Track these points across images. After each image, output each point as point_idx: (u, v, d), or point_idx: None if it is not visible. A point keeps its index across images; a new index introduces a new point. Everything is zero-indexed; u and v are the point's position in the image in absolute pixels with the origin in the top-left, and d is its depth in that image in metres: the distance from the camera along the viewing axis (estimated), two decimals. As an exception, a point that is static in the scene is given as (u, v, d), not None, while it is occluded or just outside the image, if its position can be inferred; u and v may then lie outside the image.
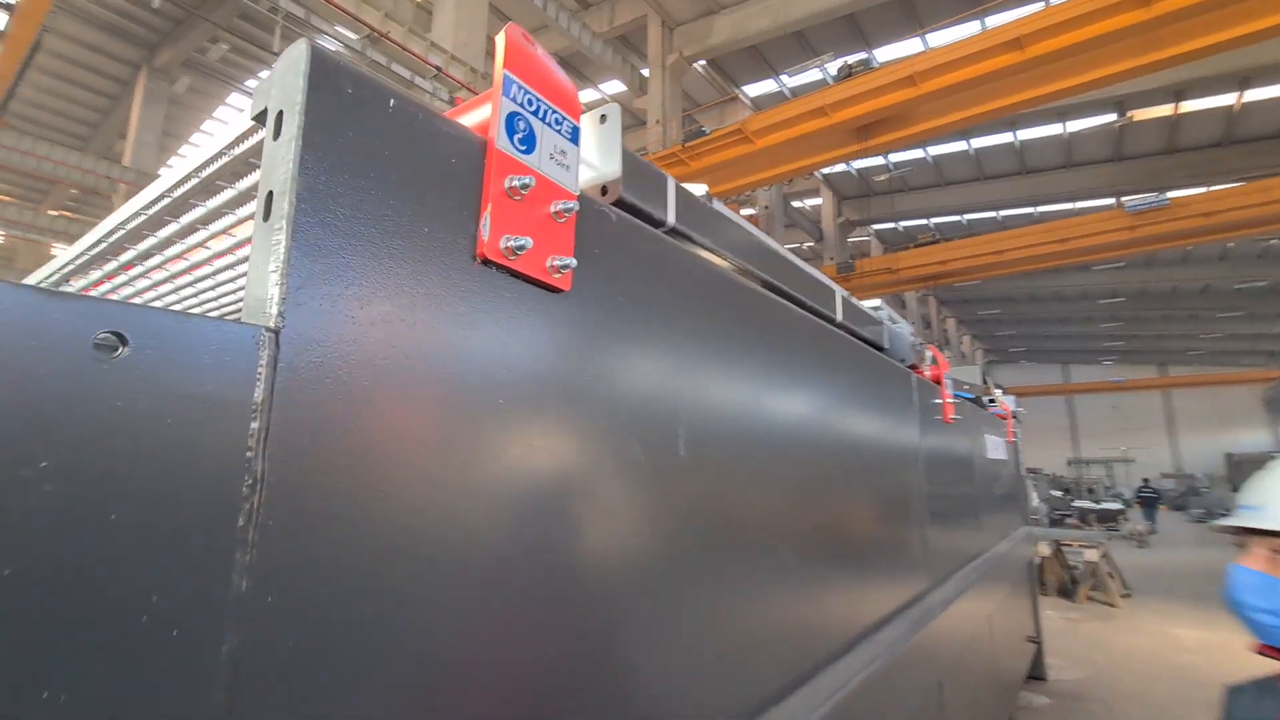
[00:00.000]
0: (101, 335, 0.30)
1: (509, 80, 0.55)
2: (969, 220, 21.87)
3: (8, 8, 10.08)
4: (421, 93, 8.94)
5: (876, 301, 1.77)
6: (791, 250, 1.40)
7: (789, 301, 1.23)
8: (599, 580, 0.59)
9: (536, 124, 0.59)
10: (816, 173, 19.50)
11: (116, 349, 0.31)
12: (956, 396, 2.30)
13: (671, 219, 0.88)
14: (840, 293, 1.42)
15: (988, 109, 9.67)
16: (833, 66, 13.92)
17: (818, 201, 21.32)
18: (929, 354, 2.19)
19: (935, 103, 9.65)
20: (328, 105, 0.42)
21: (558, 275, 0.57)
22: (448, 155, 0.51)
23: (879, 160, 18.35)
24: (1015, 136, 16.88)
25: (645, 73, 15.43)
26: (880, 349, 1.73)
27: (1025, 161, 18.25)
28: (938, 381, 2.07)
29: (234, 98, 15.85)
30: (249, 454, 0.34)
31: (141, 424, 0.32)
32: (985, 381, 3.21)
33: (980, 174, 19.16)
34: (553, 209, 0.58)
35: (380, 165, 0.46)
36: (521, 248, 0.52)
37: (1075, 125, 15.89)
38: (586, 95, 18.17)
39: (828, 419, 1.28)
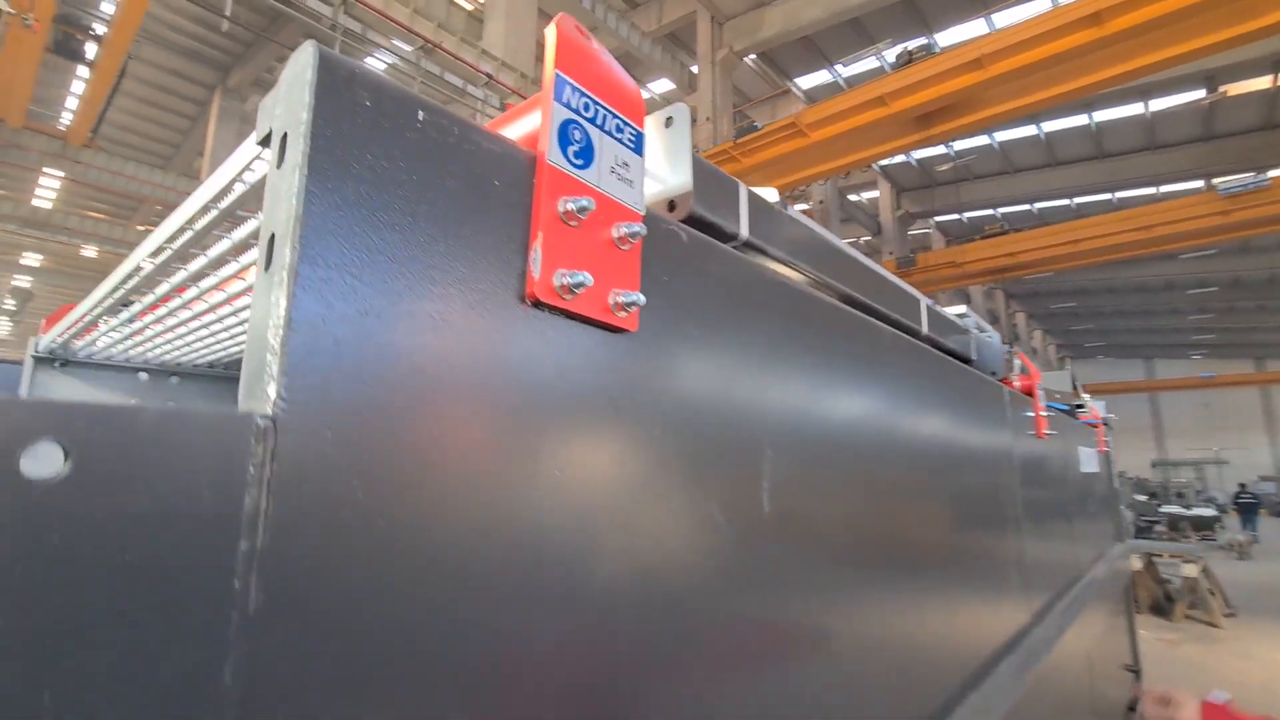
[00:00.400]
0: (33, 447, 0.23)
1: (562, 82, 0.46)
2: (1040, 209, 20.72)
3: (97, 39, 10.82)
4: (474, 101, 9.07)
5: (961, 308, 1.60)
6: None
7: (871, 315, 1.10)
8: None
9: (595, 133, 0.49)
10: (874, 165, 18.86)
11: (55, 468, 0.23)
12: (1049, 408, 2.09)
13: (744, 231, 0.77)
14: (925, 301, 1.27)
15: (1063, 90, 9.08)
16: (891, 54, 13.39)
17: (875, 194, 20.63)
18: (1018, 363, 1.99)
19: (1004, 86, 9.13)
20: (340, 123, 0.34)
21: (623, 314, 0.48)
22: (490, 176, 0.42)
23: (941, 149, 17.58)
24: (1091, 118, 15.87)
25: (694, 70, 15.27)
26: (967, 361, 1.57)
27: (1102, 145, 17.13)
28: (1029, 393, 1.87)
29: (300, 113, 16.52)
30: (236, 585, 0.26)
31: (87, 566, 0.24)
32: (1075, 387, 2.94)
33: (1052, 159, 18.10)
34: (615, 234, 0.48)
35: (407, 194, 0.37)
36: (580, 285, 0.43)
37: (1159, 104, 14.79)
38: (636, 95, 18.00)
39: (918, 447, 1.15)
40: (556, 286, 0.43)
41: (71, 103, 14.52)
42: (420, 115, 0.38)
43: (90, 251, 18.89)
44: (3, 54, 8.96)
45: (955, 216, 21.74)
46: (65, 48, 10.60)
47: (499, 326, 0.41)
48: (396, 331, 0.35)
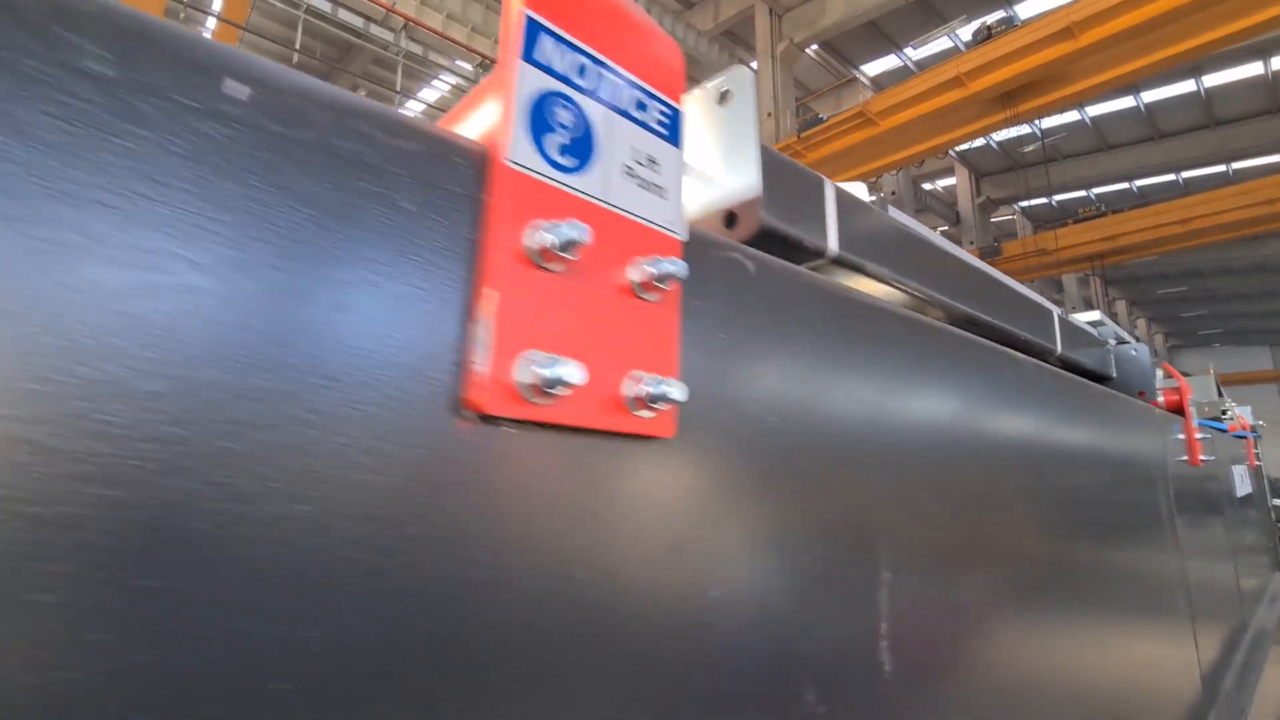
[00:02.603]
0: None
1: (535, 28, 0.26)
2: (1140, 187, 18.96)
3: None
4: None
5: (1095, 314, 1.31)
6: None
7: (994, 337, 0.85)
8: None
9: (595, 110, 0.29)
10: (950, 151, 17.80)
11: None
12: (1203, 427, 1.74)
13: (834, 245, 0.56)
14: (1057, 313, 1.01)
15: (1166, 55, 8.17)
16: (966, 32, 12.58)
17: (951, 181, 19.45)
18: (1160, 373, 1.66)
19: (1099, 55, 8.31)
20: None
21: (648, 413, 0.28)
22: (399, 189, 0.24)
23: (1024, 129, 16.36)
24: (1199, 84, 14.34)
25: (754, 65, 14.86)
26: (1105, 379, 1.28)
27: (1213, 112, 15.46)
28: (1178, 411, 1.54)
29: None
30: None
31: None
32: (1220, 393, 2.50)
33: (1154, 132, 16.51)
34: (635, 276, 0.29)
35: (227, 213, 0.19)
36: (559, 382, 0.24)
37: (1282, 61, 13.20)
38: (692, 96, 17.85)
39: (1056, 503, 0.89)
40: (520, 385, 0.24)
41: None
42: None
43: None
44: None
45: (1043, 201, 20.23)
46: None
47: (416, 457, 0.22)
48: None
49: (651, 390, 0.28)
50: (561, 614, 0.27)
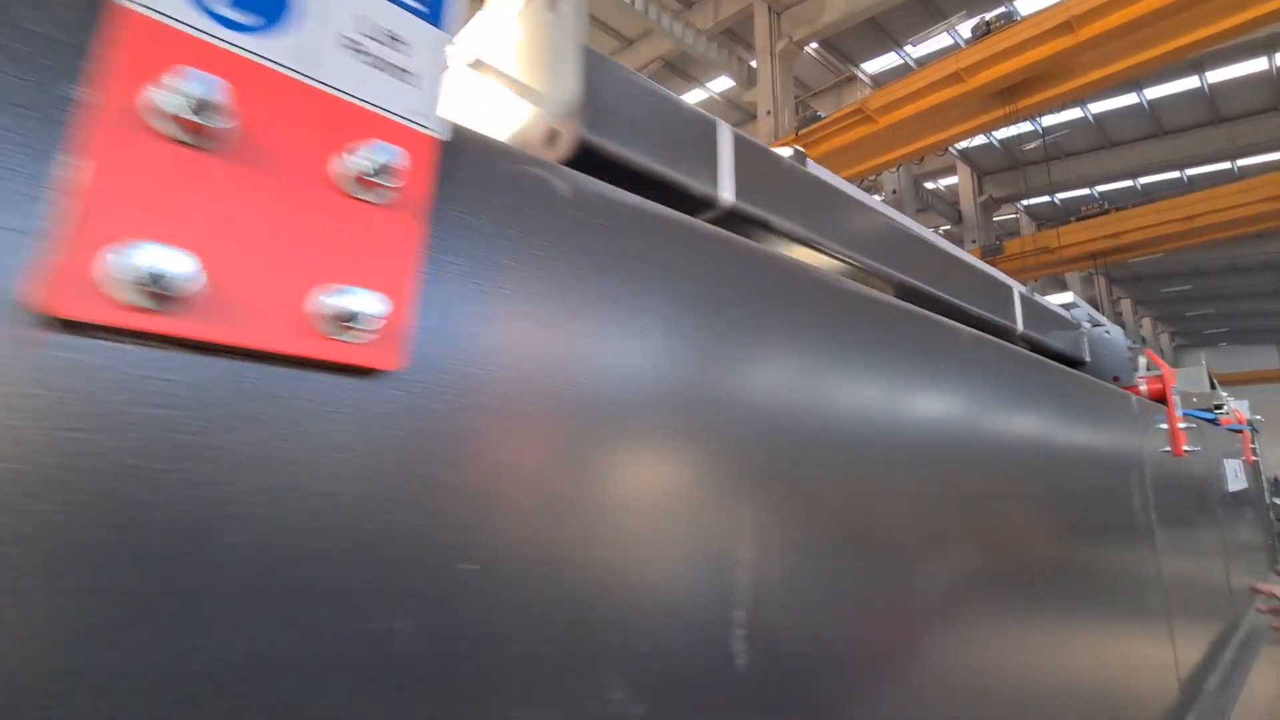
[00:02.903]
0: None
1: None
2: (1145, 184, 18.81)
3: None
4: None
5: (1068, 296, 1.25)
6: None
7: (943, 312, 0.79)
8: None
9: None
10: (951, 148, 17.69)
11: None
12: (1187, 417, 1.67)
13: (728, 194, 0.50)
14: (1019, 290, 0.94)
15: (1168, 49, 8.07)
16: (965, 29, 12.49)
17: (953, 180, 19.33)
18: (1144, 361, 1.60)
19: (1100, 50, 8.22)
20: None
21: (357, 336, 0.22)
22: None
23: (1026, 127, 16.24)
24: (1203, 80, 14.21)
25: (754, 64, 14.78)
26: (1079, 364, 1.21)
27: (1218, 108, 15.32)
28: (1161, 400, 1.48)
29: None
30: None
31: None
32: (1213, 385, 2.42)
33: (1158, 129, 16.36)
34: (342, 168, 0.23)
35: None
36: (161, 278, 0.18)
37: (1287, 56, 13.05)
38: (695, 95, 17.88)
39: (1013, 489, 0.83)
40: (112, 280, 0.18)
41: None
42: None
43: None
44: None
45: (1046, 199, 20.09)
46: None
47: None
48: None
49: (340, 303, 0.22)
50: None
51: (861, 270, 0.71)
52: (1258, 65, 13.58)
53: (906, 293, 0.78)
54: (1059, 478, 0.94)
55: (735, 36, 15.65)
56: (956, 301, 0.85)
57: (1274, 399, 32.14)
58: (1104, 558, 1.01)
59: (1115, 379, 1.18)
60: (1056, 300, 1.23)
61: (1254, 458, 2.80)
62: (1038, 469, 0.89)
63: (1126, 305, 27.68)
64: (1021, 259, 15.21)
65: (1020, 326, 0.93)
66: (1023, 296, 0.95)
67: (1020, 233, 19.61)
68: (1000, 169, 18.92)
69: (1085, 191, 19.14)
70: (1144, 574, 1.11)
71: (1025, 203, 20.40)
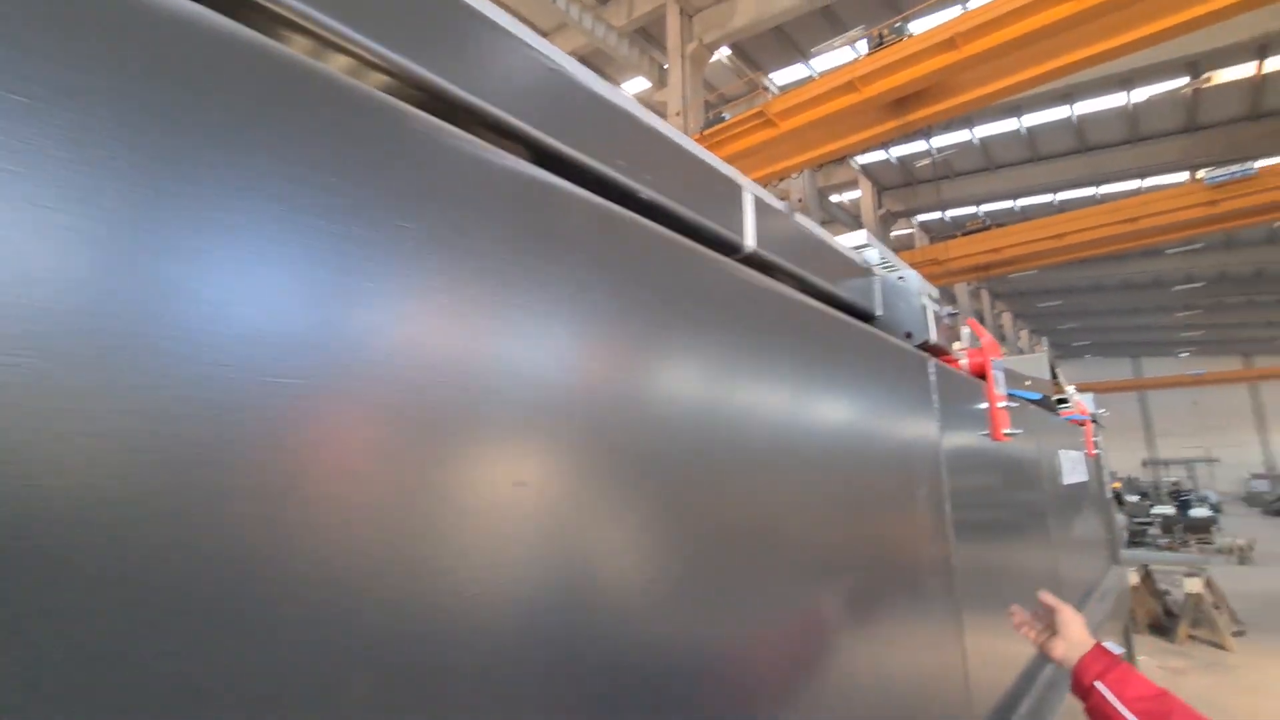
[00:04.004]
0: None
1: None
2: (1022, 206, 20.33)
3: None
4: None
5: (861, 235, 1.01)
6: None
7: (620, 202, 0.50)
8: None
9: None
10: (853, 162, 18.41)
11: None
12: (1014, 398, 1.49)
13: None
14: (752, 193, 0.67)
15: (1041, 71, 8.61)
16: (866, 46, 12.95)
17: (857, 194, 20.14)
18: (967, 332, 1.40)
19: (980, 68, 8.65)
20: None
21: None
22: None
23: (920, 145, 17.12)
24: (1072, 110, 15.46)
25: (665, 65, 14.74)
26: (869, 317, 0.97)
27: (1085, 138, 16.74)
28: (981, 375, 1.28)
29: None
30: None
31: None
32: (1055, 375, 2.35)
33: (1034, 154, 17.70)
34: None
35: None
36: None
37: (1141, 93, 14.40)
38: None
39: (749, 454, 0.56)
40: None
41: None
42: None
43: None
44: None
45: (938, 215, 21.37)
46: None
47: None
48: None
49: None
50: None
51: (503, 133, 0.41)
52: (1117, 100, 14.91)
53: (570, 168, 0.48)
54: (821, 455, 0.67)
55: (649, 36, 15.58)
56: (633, 184, 0.55)
57: (1129, 407, 35.78)
58: (875, 543, 0.75)
59: (908, 335, 0.95)
60: (847, 239, 0.98)
61: (1096, 451, 2.77)
62: (779, 434, 0.62)
63: (1008, 318, 29.92)
64: (918, 269, 15.95)
65: (750, 243, 0.66)
66: (758, 201, 0.67)
67: (915, 245, 20.67)
68: (898, 185, 19.89)
69: (972, 210, 20.45)
70: (923, 563, 0.87)
71: (920, 218, 21.56)
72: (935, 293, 1.26)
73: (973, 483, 1.10)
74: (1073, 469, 2.12)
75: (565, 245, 0.42)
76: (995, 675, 1.00)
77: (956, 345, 1.33)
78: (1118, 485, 10.84)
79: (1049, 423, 1.98)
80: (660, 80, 15.40)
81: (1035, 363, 2.25)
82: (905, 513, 0.82)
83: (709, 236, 0.64)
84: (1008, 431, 1.27)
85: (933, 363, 1.00)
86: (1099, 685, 0.91)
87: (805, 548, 0.63)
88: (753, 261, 0.67)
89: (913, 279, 0.96)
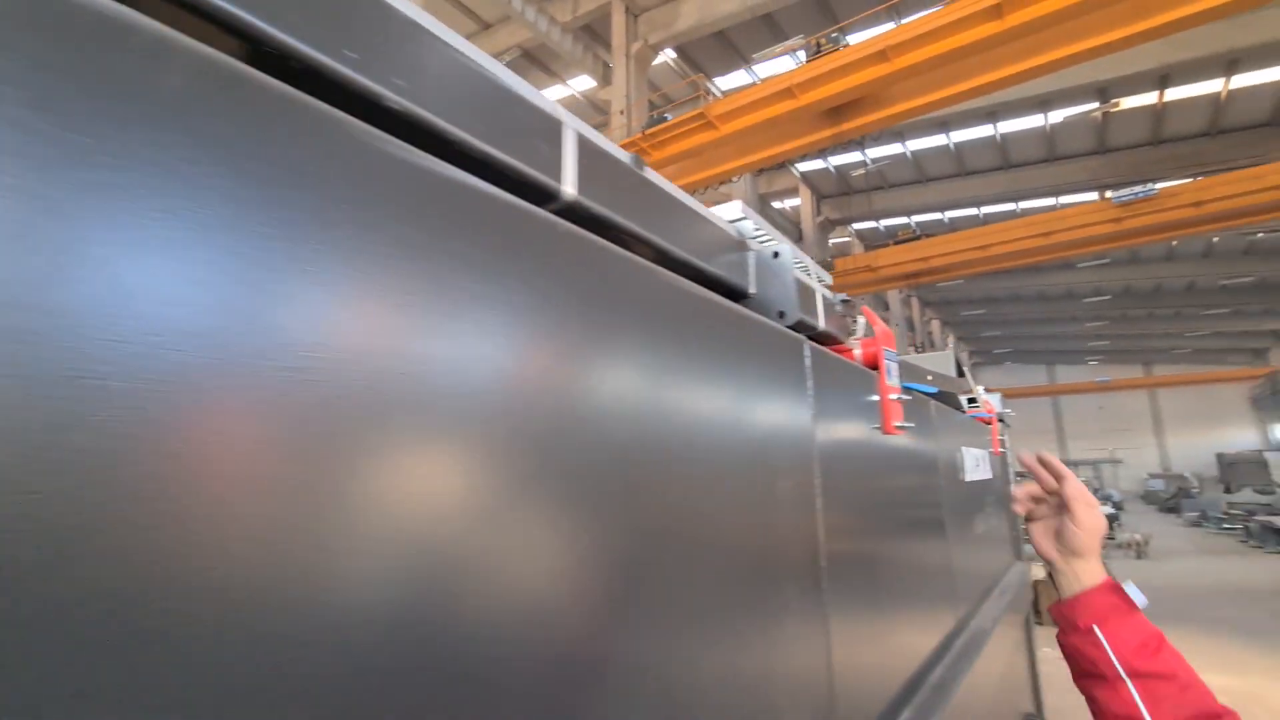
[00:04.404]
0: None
1: None
2: (951, 218, 21.29)
3: None
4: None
5: (736, 206, 0.93)
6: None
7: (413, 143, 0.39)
8: None
9: None
10: (793, 169, 18.83)
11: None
12: (910, 392, 1.46)
13: None
14: (573, 130, 0.56)
15: (966, 87, 8.98)
16: (805, 55, 13.22)
17: (797, 202, 20.60)
18: (862, 322, 1.35)
19: (910, 81, 8.94)
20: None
21: None
22: None
23: (857, 156, 17.66)
24: (996, 129, 16.29)
25: (610, 63, 14.67)
26: (740, 294, 0.89)
27: (1007, 156, 17.68)
28: (873, 366, 1.23)
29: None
30: None
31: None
32: (962, 372, 2.37)
33: (961, 169, 18.56)
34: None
35: None
36: None
37: (1057, 116, 15.30)
38: (554, 91, 17.42)
39: (599, 443, 0.45)
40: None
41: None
42: None
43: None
44: None
45: (873, 224, 22.12)
46: None
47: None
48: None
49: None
50: None
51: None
52: (1035, 121, 15.79)
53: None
54: (666, 444, 0.58)
55: (594, 34, 15.46)
56: (427, 117, 0.44)
57: (1043, 410, 37.89)
58: (717, 556, 0.66)
59: (780, 314, 0.88)
60: (723, 213, 0.91)
61: (1002, 450, 2.83)
62: (627, 432, 0.52)
63: (936, 325, 31.30)
64: (852, 275, 16.45)
65: (570, 189, 0.56)
66: (581, 140, 0.58)
67: (852, 254, 21.32)
68: (837, 194, 20.47)
69: (904, 220, 21.26)
70: (786, 575, 0.79)
71: (856, 226, 22.26)
72: (828, 279, 1.19)
73: (854, 477, 1.05)
74: (976, 466, 2.13)
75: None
76: (870, 688, 0.94)
77: (855, 339, 1.28)
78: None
79: (954, 420, 1.98)
80: (605, 78, 15.30)
81: (943, 360, 2.27)
82: (763, 509, 0.74)
83: (512, 177, 0.53)
84: (900, 425, 1.22)
85: (808, 346, 0.93)
86: (1098, 630, 0.80)
87: (636, 546, 0.54)
88: (575, 215, 0.57)
89: (787, 254, 0.89)
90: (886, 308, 25.98)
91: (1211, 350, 33.66)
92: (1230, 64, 12.82)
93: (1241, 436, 32.54)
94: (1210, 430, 33.04)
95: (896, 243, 16.79)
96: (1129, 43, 7.88)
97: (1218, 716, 0.72)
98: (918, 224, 21.46)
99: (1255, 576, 10.24)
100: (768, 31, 13.73)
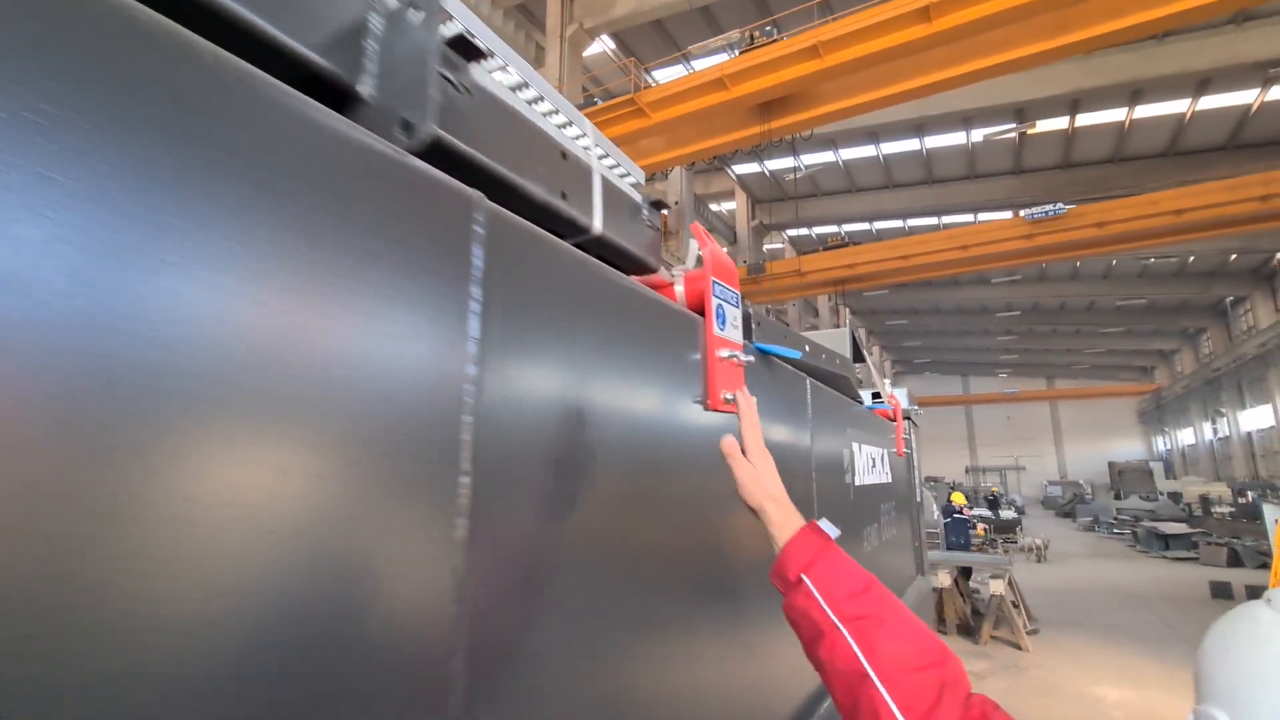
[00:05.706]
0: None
1: None
2: (878, 229, 21.80)
3: None
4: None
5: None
6: None
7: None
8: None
9: None
10: (730, 170, 18.74)
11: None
12: (761, 353, 1.04)
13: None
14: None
15: (894, 90, 8.97)
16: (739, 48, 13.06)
17: (733, 205, 20.57)
18: (694, 246, 0.92)
19: (841, 80, 8.85)
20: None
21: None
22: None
23: (790, 161, 17.75)
24: (922, 143, 16.70)
25: (544, 44, 14.09)
26: (345, 94, 0.44)
27: (932, 170, 18.19)
28: (700, 312, 0.80)
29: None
30: None
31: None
32: (861, 355, 2.03)
33: (889, 181, 18.99)
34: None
35: None
36: None
37: (979, 133, 15.81)
38: (486, 72, 16.56)
39: None
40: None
41: None
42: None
43: None
44: None
45: (805, 231, 22.37)
46: None
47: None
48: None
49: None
50: None
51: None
52: (959, 138, 16.28)
53: None
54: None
55: (530, 15, 14.85)
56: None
57: (957, 419, 39.50)
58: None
59: (404, 124, 0.42)
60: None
61: (906, 451, 2.50)
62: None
63: (863, 333, 32.20)
64: (781, 278, 16.48)
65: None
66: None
67: (784, 257, 21.49)
68: (771, 199, 20.55)
69: (835, 228, 21.59)
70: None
71: (789, 232, 22.47)
72: (639, 175, 0.75)
73: (628, 472, 0.61)
74: (871, 468, 1.76)
75: None
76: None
77: (680, 270, 0.85)
78: (960, 497, 11.60)
79: (845, 410, 1.59)
80: (538, 60, 14.70)
81: (836, 338, 1.92)
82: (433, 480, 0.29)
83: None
84: (728, 398, 0.79)
85: (482, 208, 0.48)
86: (806, 579, 0.74)
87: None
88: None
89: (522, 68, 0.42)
90: (816, 314, 26.42)
91: (1106, 366, 36.20)
92: (1134, 94, 13.54)
93: (1130, 447, 35.14)
94: (1103, 441, 35.49)
95: (825, 249, 16.93)
96: (1046, 57, 8.02)
97: (939, 665, 0.67)
98: (847, 233, 21.87)
99: (1143, 581, 10.75)
100: (705, 24, 13.51)
